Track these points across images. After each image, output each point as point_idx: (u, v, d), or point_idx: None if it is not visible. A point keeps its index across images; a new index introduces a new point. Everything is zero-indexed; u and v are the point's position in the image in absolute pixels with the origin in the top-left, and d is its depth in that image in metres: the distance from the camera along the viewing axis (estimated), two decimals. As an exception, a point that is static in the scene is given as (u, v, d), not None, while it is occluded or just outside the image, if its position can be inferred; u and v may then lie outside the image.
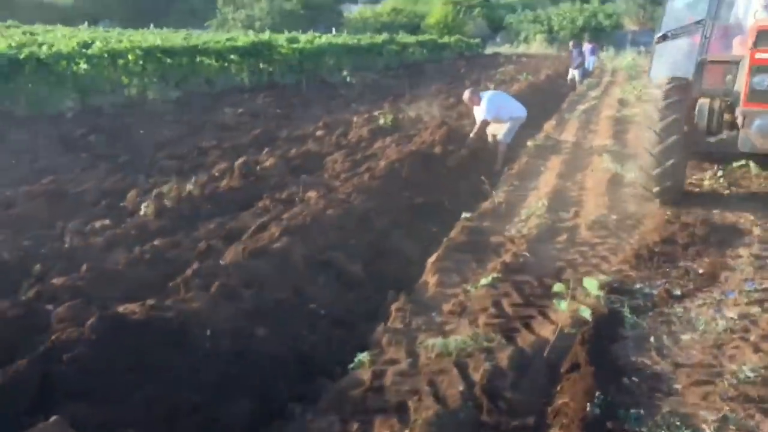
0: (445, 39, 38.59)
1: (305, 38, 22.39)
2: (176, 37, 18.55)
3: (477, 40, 45.01)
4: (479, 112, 9.14)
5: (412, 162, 7.76)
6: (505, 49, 46.74)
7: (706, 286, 4.68)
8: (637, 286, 4.64)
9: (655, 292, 4.54)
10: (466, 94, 9.19)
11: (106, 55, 12.80)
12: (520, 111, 9.36)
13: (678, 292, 4.52)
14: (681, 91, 6.44)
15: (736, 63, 6.28)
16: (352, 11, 58.90)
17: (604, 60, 34.99)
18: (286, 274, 4.50)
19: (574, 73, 19.93)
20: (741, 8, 7.08)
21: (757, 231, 5.83)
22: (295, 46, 19.94)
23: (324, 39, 23.68)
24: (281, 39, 20.50)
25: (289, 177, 7.22)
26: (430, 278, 4.76)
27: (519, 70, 24.44)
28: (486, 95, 9.13)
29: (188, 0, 62.63)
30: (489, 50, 45.47)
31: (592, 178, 8.11)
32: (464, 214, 6.29)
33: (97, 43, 13.21)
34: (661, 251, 5.30)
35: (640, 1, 50.16)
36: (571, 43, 21.02)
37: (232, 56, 16.73)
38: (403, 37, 32.37)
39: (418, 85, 19.53)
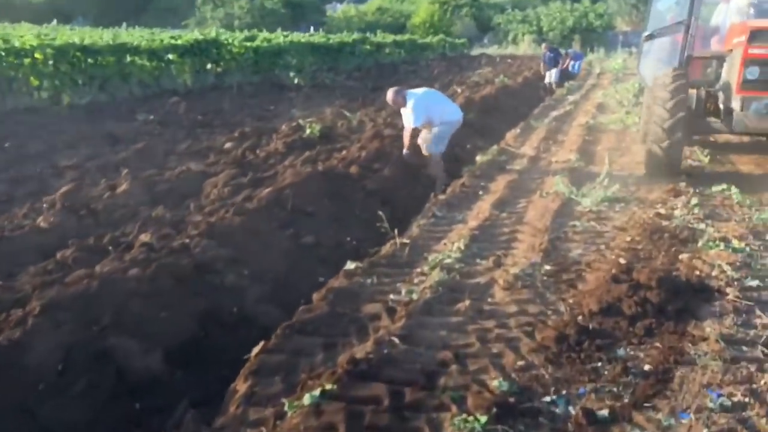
0: (427, 39, 37.03)
1: (263, 36, 20.81)
2: (111, 35, 16.94)
3: (462, 41, 43.53)
4: (406, 117, 7.58)
5: (312, 187, 6.20)
6: (492, 50, 45.21)
7: (649, 396, 3.12)
8: (546, 399, 3.08)
9: (570, 411, 2.99)
10: (389, 95, 7.63)
11: (2, 54, 11.20)
12: (453, 114, 7.83)
13: (604, 413, 2.95)
14: (683, 77, 7.39)
15: (717, 58, 7.62)
16: (336, 10, 57.35)
17: (592, 61, 33.47)
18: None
19: (549, 75, 18.35)
20: (719, 13, 8.46)
21: (732, 293, 4.28)
22: (248, 44, 18.37)
23: (286, 38, 22.11)
24: (233, 37, 18.92)
25: (141, 209, 5.64)
26: (240, 386, 3.19)
27: (497, 72, 22.91)
28: (413, 95, 7.55)
29: (169, -2, 61.00)
30: (476, 51, 43.96)
31: (536, 207, 6.55)
32: (348, 264, 4.72)
33: (-2, 41, 11.62)
34: (597, 329, 3.75)
35: (632, 1, 48.78)
36: (543, 46, 19.52)
37: (169, 56, 15.13)
38: (379, 36, 30.79)
39: (383, 87, 17.98)
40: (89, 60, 13.00)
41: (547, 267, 4.79)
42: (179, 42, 15.61)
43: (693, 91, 7.66)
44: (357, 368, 3.14)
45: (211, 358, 3.79)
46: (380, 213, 5.48)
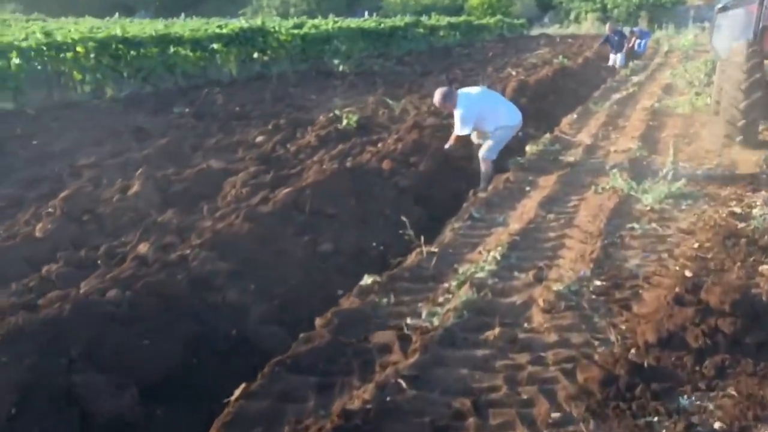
0: (484, 20, 35.82)
1: (311, 23, 20.36)
2: (166, 26, 16.81)
3: (521, 21, 41.99)
4: (455, 122, 6.85)
5: (336, 186, 5.65)
6: (553, 29, 43.42)
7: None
8: (585, 470, 2.45)
9: (616, 488, 2.34)
10: (437, 97, 6.80)
11: (44, 49, 11.11)
12: (510, 118, 6.96)
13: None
14: (758, 54, 7.29)
15: None
16: (393, -6, 56.38)
17: (660, 39, 31.58)
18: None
19: (613, 59, 17.18)
20: None
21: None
22: (296, 32, 17.94)
23: (335, 24, 21.59)
24: (280, 25, 18.54)
25: (151, 213, 5.22)
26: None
27: (556, 53, 21.75)
28: (465, 99, 6.73)
29: (227, -12, 61.48)
30: (535, 31, 42.32)
31: (590, 206, 5.80)
32: (365, 279, 4.15)
33: (37, 35, 11.54)
34: (654, 368, 3.06)
35: (704, -27, 45.77)
36: (607, 27, 18.28)
37: (214, 45, 14.85)
38: (433, 19, 29.87)
39: (432, 72, 17.25)
40: (132, 52, 12.85)
41: (597, 282, 4.10)
42: (224, 31, 15.31)
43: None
44: (350, 423, 2.58)
45: (198, 394, 3.30)
46: (404, 219, 4.85)
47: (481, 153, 6.88)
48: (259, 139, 8.21)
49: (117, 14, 41.08)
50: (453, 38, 29.51)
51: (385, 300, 3.83)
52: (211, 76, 15.09)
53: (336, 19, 25.21)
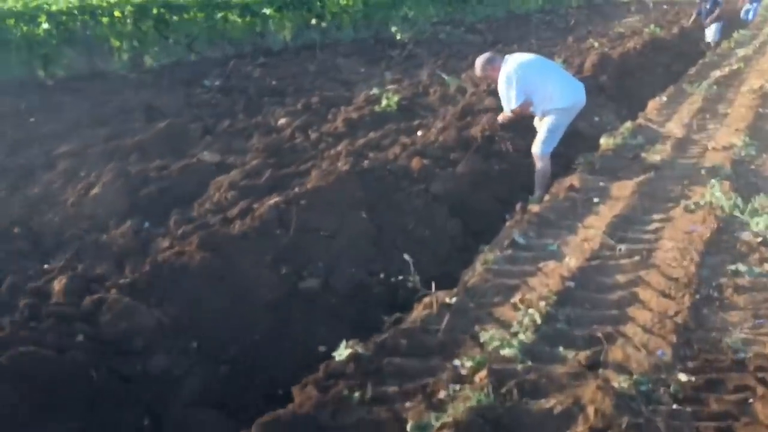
0: (570, -16, 33.09)
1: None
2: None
3: (611, -15, 38.71)
4: (501, 96, 5.52)
5: (340, 195, 4.44)
6: (647, -6, 39.93)
7: None
8: None
9: None
10: (478, 65, 5.53)
11: (76, 13, 10.33)
12: (564, 98, 5.40)
13: None
14: None
15: None
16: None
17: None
18: None
19: (709, 31, 14.87)
20: None
21: None
22: (358, -4, 16.59)
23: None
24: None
25: (110, 225, 4.18)
26: None
27: (648, 21, 19.44)
28: (512, 65, 5.33)
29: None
30: (627, -4, 39.04)
31: (676, 232, 4.35)
32: (340, 351, 2.94)
33: (72, -1, 10.77)
34: None
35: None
36: None
37: (266, 10, 13.76)
38: (513, -17, 27.66)
39: (505, 41, 15.57)
40: (174, 17, 11.94)
41: (683, 376, 2.74)
42: (276, -5, 14.19)
43: None
44: None
45: None
46: (407, 257, 3.58)
47: (533, 148, 5.51)
48: (282, 121, 7.07)
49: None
50: (535, 4, 27.26)
51: (357, 394, 2.62)
52: (262, 43, 14.03)
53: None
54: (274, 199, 4.16)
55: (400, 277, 3.53)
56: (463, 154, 5.73)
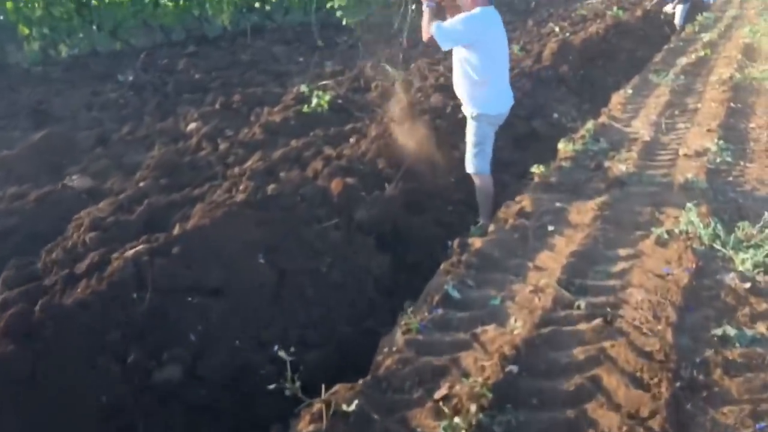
0: (532, -37, 32.24)
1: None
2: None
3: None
4: (453, 21, 4.29)
5: (228, 236, 3.50)
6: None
7: None
8: None
9: None
10: None
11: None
12: (499, 104, 4.47)
13: None
14: None
15: None
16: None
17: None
18: None
19: (675, 9, 14.20)
20: None
21: None
22: (304, -25, 15.45)
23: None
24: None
25: None
26: None
27: (610, 3, 18.68)
28: (486, 16, 4.27)
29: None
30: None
31: (646, 275, 3.52)
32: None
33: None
34: None
35: None
36: None
37: (201, -7, 12.60)
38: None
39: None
40: (93, 1, 10.72)
41: None
42: (213, -24, 13.00)
43: None
44: None
45: None
46: (283, 355, 2.62)
47: (467, 167, 4.63)
48: (192, 126, 6.05)
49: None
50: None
51: None
52: (198, 30, 12.87)
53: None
54: (136, 248, 3.20)
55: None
56: (397, 170, 4.83)
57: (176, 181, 4.60)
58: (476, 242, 3.93)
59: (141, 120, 6.32)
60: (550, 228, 4.16)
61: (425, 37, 4.37)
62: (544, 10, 18.03)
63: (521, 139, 6.62)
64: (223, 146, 5.35)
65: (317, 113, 6.32)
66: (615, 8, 16.02)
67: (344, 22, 12.73)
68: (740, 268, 3.57)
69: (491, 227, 4.14)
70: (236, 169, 4.64)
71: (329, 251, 3.88)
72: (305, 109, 6.34)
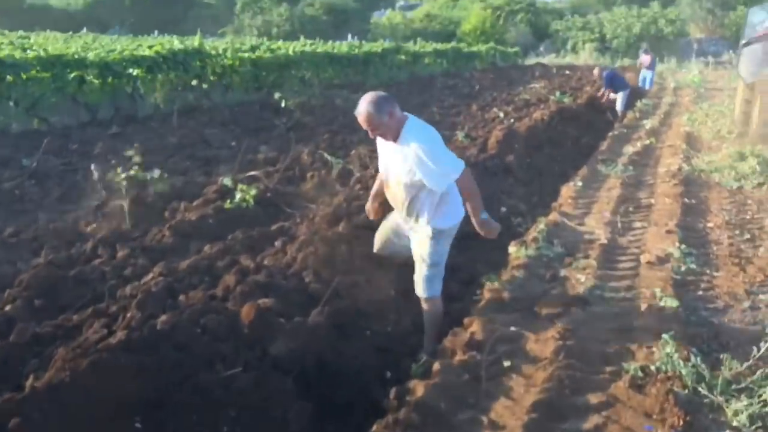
0: (475, 48, 33.27)
1: (268, 46, 17.56)
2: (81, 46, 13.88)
3: (515, 49, 39.55)
4: (435, 159, 3.51)
5: (88, 396, 2.66)
6: (549, 59, 40.97)
7: None
8: None
9: None
10: (373, 104, 3.44)
11: None
12: (460, 209, 3.87)
13: None
14: None
15: None
16: (382, 17, 54.07)
17: (663, 72, 28.98)
18: None
19: (617, 96, 14.40)
20: None
21: None
22: (246, 55, 15.08)
23: (303, 47, 18.82)
24: (226, 46, 15.70)
25: None
26: None
27: (553, 88, 18.97)
28: (424, 124, 3.64)
29: (209, 6, 58.92)
30: (531, 60, 39.85)
31: (623, 425, 2.85)
32: None
33: None
34: None
35: (708, 6, 43.71)
36: (595, 71, 15.55)
37: (133, 71, 11.91)
38: (418, 45, 27.22)
39: (404, 110, 14.36)
40: (8, 77, 9.91)
41: None
42: (146, 53, 12.35)
43: None
44: None
45: None
46: None
47: (417, 290, 3.92)
48: (93, 226, 5.22)
49: (84, 29, 38.34)
50: (439, 66, 26.81)
51: None
52: (128, 108, 12.11)
53: (306, 42, 22.49)
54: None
55: None
56: (329, 286, 4.11)
57: (54, 302, 3.75)
58: (418, 388, 3.20)
59: (35, 216, 5.46)
60: (506, 363, 3.47)
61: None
62: (487, 94, 18.11)
63: (468, 239, 6.02)
64: (121, 253, 4.53)
65: (241, 209, 5.60)
66: (558, 93, 16.18)
67: (283, 104, 12.32)
68: (734, 423, 2.94)
69: (436, 365, 3.41)
70: (128, 288, 3.81)
71: (234, 403, 3.07)
72: (227, 204, 5.62)
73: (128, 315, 3.37)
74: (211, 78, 14.49)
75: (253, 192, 5.74)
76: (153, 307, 3.47)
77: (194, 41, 14.53)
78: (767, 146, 9.36)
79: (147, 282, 3.95)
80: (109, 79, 11.61)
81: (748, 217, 6.62)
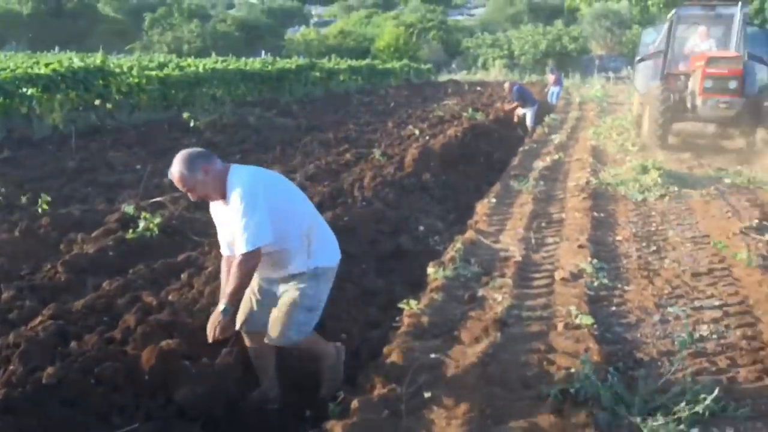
0: (390, 64, 33.62)
1: (177, 63, 17.02)
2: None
3: (428, 66, 40.28)
4: (237, 221, 3.06)
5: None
6: (461, 75, 42.02)
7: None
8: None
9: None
10: (185, 163, 3.01)
11: None
12: (335, 251, 3.53)
13: None
14: (666, 90, 11.43)
15: (684, 74, 11.82)
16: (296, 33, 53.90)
17: (569, 88, 30.23)
18: None
19: (526, 111, 14.85)
20: (683, 45, 12.41)
21: None
22: (153, 73, 14.51)
23: (214, 64, 18.36)
24: (131, 64, 15.09)
25: None
26: None
27: (465, 104, 19.36)
28: (246, 175, 3.14)
29: (116, 21, 56.84)
30: (443, 77, 40.75)
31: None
32: None
33: None
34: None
35: (607, 25, 46.13)
36: (506, 86, 16.03)
37: (27, 90, 11.18)
38: (332, 62, 27.21)
39: (321, 126, 14.24)
40: None
41: None
42: (42, 72, 11.64)
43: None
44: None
45: None
46: None
47: (280, 339, 3.35)
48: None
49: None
50: (355, 83, 26.87)
51: None
52: (23, 130, 11.34)
53: (218, 58, 21.99)
54: None
55: None
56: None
57: None
58: (335, 429, 3.02)
59: None
60: (427, 395, 3.35)
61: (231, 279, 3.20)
62: (403, 111, 18.24)
63: (386, 260, 5.94)
64: (7, 294, 4.12)
65: (144, 239, 5.26)
66: (470, 110, 16.48)
67: (192, 124, 11.89)
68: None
69: (354, 402, 3.25)
70: (11, 336, 3.44)
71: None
72: (130, 234, 5.26)
73: (9, 368, 3.02)
74: (116, 97, 13.85)
75: (158, 220, 5.42)
76: (39, 357, 3.13)
77: (96, 59, 13.81)
78: (657, 150, 11.10)
79: (34, 327, 3.58)
80: (0, 100, 10.83)
81: (653, 228, 6.85)
